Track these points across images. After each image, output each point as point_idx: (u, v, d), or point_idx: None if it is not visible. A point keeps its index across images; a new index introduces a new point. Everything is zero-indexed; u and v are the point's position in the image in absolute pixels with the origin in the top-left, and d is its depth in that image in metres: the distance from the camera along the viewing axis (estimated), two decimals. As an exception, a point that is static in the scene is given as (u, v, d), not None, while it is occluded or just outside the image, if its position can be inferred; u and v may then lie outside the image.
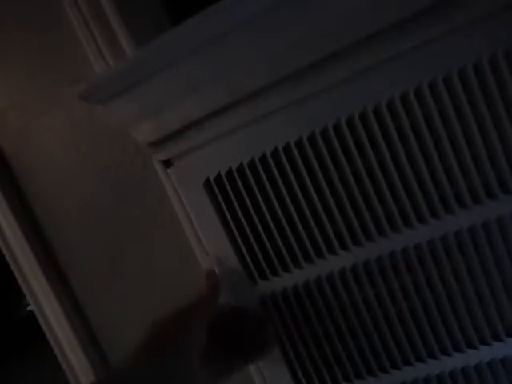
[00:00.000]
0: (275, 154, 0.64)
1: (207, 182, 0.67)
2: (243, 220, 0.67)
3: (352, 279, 0.66)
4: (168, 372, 0.50)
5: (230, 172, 0.66)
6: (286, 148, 0.63)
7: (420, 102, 0.58)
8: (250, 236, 0.68)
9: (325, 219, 0.64)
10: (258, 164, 0.64)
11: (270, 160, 0.64)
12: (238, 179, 0.66)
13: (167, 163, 0.69)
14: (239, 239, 0.68)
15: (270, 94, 0.63)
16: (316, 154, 0.63)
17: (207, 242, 0.70)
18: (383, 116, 0.59)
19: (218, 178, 0.67)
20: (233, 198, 0.67)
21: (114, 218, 0.79)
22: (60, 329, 0.90)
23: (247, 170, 0.65)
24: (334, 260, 0.66)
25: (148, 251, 0.78)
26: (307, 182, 0.64)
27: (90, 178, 0.78)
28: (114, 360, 0.87)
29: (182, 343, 0.54)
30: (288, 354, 0.71)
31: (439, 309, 0.65)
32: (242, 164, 0.65)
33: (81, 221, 0.81)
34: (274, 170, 0.64)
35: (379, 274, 0.65)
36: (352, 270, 0.66)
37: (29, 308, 2.81)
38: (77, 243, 0.82)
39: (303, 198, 0.64)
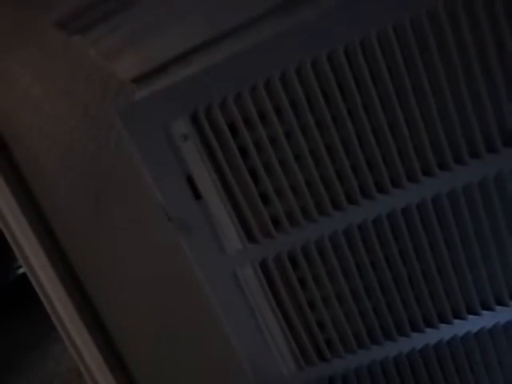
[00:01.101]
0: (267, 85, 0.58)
1: (194, 116, 0.61)
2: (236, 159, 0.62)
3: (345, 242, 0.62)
4: None
5: (224, 103, 0.60)
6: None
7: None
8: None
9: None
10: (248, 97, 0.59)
11: (262, 92, 0.58)
12: (234, 110, 0.60)
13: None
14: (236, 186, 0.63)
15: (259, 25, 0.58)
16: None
17: (169, 203, 0.63)
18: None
19: (208, 110, 0.61)
20: (225, 132, 0.61)
21: (96, 162, 0.74)
22: (50, 285, 0.87)
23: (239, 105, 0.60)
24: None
25: (133, 194, 0.73)
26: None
27: (70, 120, 0.72)
28: (104, 311, 0.85)
29: None
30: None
31: (440, 274, 0.61)
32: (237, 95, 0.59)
33: (64, 170, 0.76)
34: (267, 102, 0.59)
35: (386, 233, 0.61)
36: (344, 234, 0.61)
37: (19, 271, 2.84)
38: (62, 194, 0.78)
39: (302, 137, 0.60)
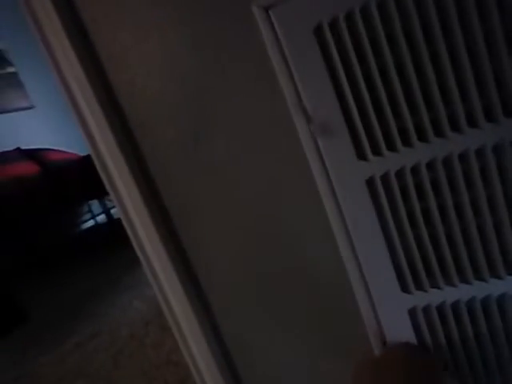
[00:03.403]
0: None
1: (318, 29, 0.55)
2: (360, 80, 0.56)
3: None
4: None
5: (349, 16, 0.54)
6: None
7: None
8: (366, 99, 0.57)
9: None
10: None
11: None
12: (360, 26, 0.54)
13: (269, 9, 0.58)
14: (351, 101, 0.57)
15: None
16: None
17: (311, 104, 0.59)
18: None
19: (334, 23, 0.55)
20: (350, 49, 0.55)
21: (201, 84, 0.68)
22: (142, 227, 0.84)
23: (374, 12, 0.53)
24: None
25: (238, 117, 0.67)
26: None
27: (172, 38, 0.67)
28: (193, 255, 0.81)
29: None
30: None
31: None
32: (367, 4, 0.53)
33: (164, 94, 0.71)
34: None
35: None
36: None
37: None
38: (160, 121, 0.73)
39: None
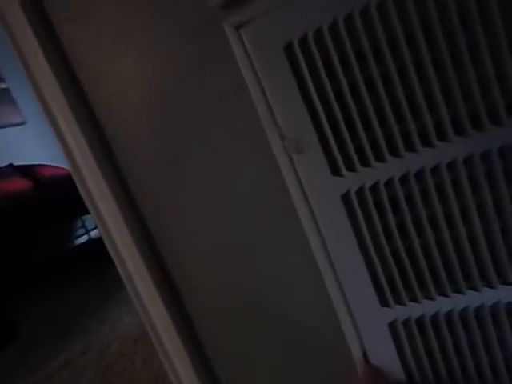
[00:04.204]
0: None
1: (289, 46, 0.56)
2: (330, 96, 0.57)
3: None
4: None
5: (318, 33, 0.55)
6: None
7: None
8: (338, 115, 0.57)
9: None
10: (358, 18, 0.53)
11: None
12: (329, 43, 0.54)
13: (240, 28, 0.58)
14: (323, 117, 0.58)
15: None
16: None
17: (283, 120, 0.59)
18: None
19: (303, 41, 0.55)
20: (320, 66, 0.56)
21: (177, 102, 0.68)
22: (124, 246, 0.83)
23: (342, 29, 0.53)
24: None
25: (215, 137, 0.68)
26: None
27: (150, 55, 0.67)
28: (177, 274, 0.80)
29: None
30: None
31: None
32: (335, 21, 0.54)
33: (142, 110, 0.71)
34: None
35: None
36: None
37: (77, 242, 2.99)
38: (139, 138, 0.73)
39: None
